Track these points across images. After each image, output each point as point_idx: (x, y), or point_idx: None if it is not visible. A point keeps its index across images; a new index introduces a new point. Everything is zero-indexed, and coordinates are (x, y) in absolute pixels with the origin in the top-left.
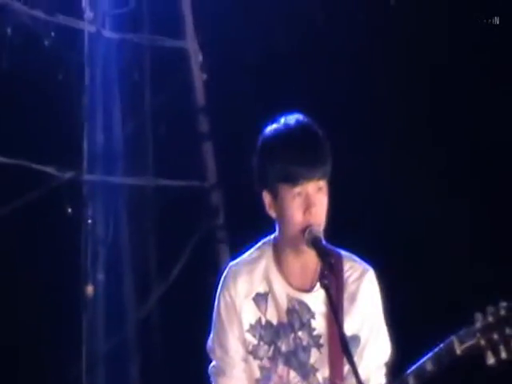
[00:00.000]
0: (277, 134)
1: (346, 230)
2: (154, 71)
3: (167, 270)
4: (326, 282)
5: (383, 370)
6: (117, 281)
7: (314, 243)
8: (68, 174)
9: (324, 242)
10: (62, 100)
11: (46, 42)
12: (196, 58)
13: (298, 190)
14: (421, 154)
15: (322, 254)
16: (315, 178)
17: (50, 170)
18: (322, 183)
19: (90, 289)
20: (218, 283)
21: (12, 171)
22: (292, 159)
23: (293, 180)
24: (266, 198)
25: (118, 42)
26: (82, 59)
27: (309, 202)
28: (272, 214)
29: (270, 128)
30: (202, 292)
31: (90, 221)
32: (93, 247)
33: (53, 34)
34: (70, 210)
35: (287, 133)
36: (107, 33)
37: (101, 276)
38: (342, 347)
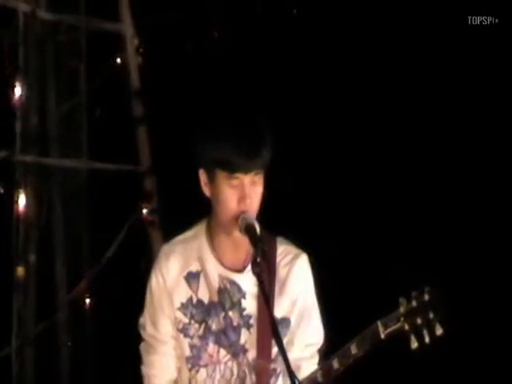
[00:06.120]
0: (223, 121)
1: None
2: (90, 53)
3: (100, 253)
4: (257, 269)
5: (316, 359)
6: (49, 263)
7: (247, 230)
8: (0, 154)
9: (258, 228)
10: None
11: None
12: (132, 41)
13: (234, 180)
14: None
15: (255, 240)
16: (253, 171)
17: None
18: (259, 176)
19: (21, 270)
20: (150, 267)
21: None
22: (233, 150)
23: (231, 170)
24: (202, 176)
25: (53, 22)
26: (17, 39)
27: (244, 193)
28: (206, 192)
29: (218, 111)
30: (134, 276)
31: (22, 202)
32: (25, 228)
33: None
34: (1, 191)
35: (233, 122)
36: (42, 13)
37: (32, 257)
38: (272, 330)
